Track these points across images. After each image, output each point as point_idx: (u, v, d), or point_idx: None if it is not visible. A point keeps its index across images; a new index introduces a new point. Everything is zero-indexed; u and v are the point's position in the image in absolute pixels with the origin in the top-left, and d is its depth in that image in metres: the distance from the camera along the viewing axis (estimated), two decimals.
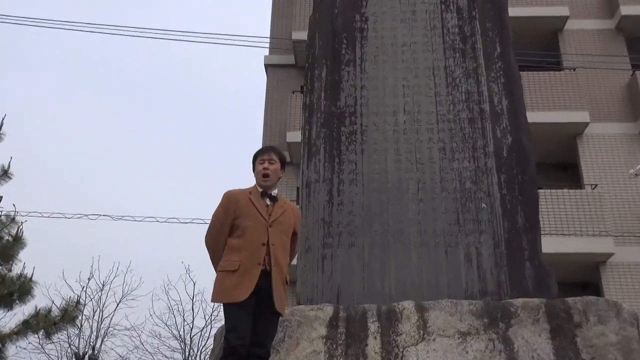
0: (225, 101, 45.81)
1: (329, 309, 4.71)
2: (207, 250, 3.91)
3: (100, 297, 18.86)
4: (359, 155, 5.54)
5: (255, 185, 4.00)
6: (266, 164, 3.95)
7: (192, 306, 19.01)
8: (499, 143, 5.45)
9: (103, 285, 18.89)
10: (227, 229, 3.81)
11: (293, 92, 15.53)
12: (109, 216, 14.74)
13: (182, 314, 19.14)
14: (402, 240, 5.19)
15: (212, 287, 3.74)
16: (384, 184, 5.40)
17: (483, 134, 5.49)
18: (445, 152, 5.46)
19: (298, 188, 11.49)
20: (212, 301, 3.76)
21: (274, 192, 3.96)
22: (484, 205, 5.24)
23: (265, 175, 3.94)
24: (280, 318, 3.98)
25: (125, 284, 19.29)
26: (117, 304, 18.92)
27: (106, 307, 18.87)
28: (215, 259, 3.86)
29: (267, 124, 16.13)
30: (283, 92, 16.25)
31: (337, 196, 5.41)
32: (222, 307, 3.79)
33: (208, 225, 3.91)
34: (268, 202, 3.91)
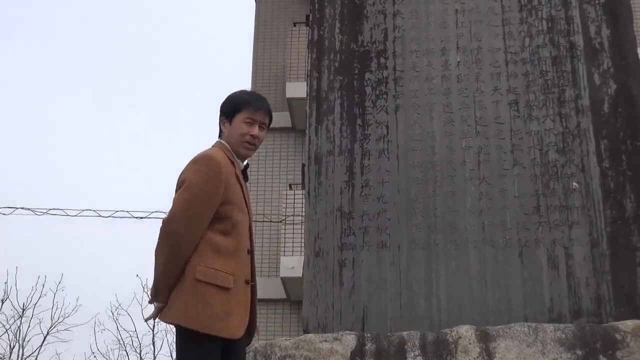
0: (192, 43, 45.76)
1: (350, 339, 4.75)
2: (170, 242, 3.68)
3: (19, 326, 19.13)
4: (391, 115, 5.55)
5: (227, 147, 4.01)
6: (256, 130, 4.00)
7: (153, 339, 19.22)
8: (597, 93, 5.43)
9: (23, 311, 19.17)
10: (211, 216, 3.75)
11: (295, 25, 15.51)
12: (29, 210, 14.60)
13: (139, 350, 19.36)
14: (456, 238, 5.22)
15: (181, 302, 3.64)
16: (428, 156, 5.42)
17: (574, 81, 5.48)
18: (519, 108, 5.46)
19: (303, 165, 11.43)
20: (184, 325, 3.61)
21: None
22: (575, 184, 5.23)
23: (253, 145, 4.03)
24: (281, 353, 4.08)
25: (55, 308, 19.55)
26: (45, 337, 19.21)
27: (28, 341, 19.14)
28: (181, 257, 3.68)
29: (258, 72, 16.14)
30: (280, 24, 16.24)
31: (361, 175, 5.43)
32: (184, 330, 3.64)
33: (180, 203, 3.73)
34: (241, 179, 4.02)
